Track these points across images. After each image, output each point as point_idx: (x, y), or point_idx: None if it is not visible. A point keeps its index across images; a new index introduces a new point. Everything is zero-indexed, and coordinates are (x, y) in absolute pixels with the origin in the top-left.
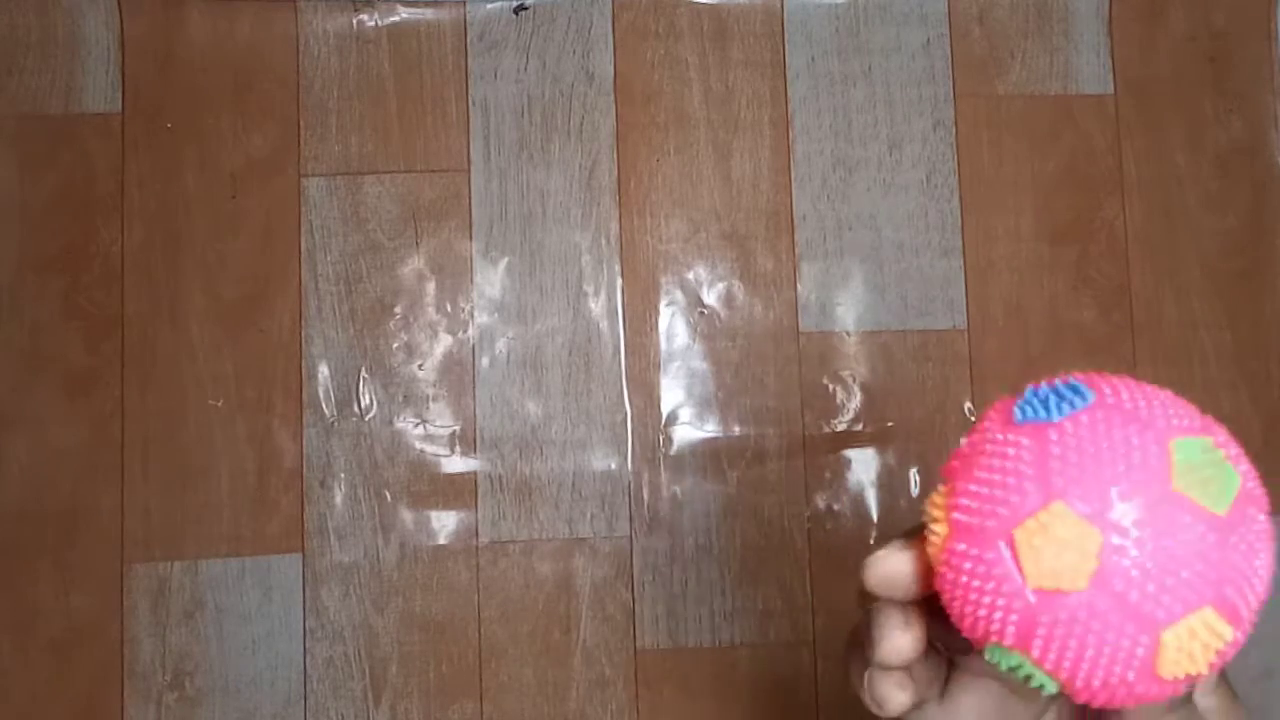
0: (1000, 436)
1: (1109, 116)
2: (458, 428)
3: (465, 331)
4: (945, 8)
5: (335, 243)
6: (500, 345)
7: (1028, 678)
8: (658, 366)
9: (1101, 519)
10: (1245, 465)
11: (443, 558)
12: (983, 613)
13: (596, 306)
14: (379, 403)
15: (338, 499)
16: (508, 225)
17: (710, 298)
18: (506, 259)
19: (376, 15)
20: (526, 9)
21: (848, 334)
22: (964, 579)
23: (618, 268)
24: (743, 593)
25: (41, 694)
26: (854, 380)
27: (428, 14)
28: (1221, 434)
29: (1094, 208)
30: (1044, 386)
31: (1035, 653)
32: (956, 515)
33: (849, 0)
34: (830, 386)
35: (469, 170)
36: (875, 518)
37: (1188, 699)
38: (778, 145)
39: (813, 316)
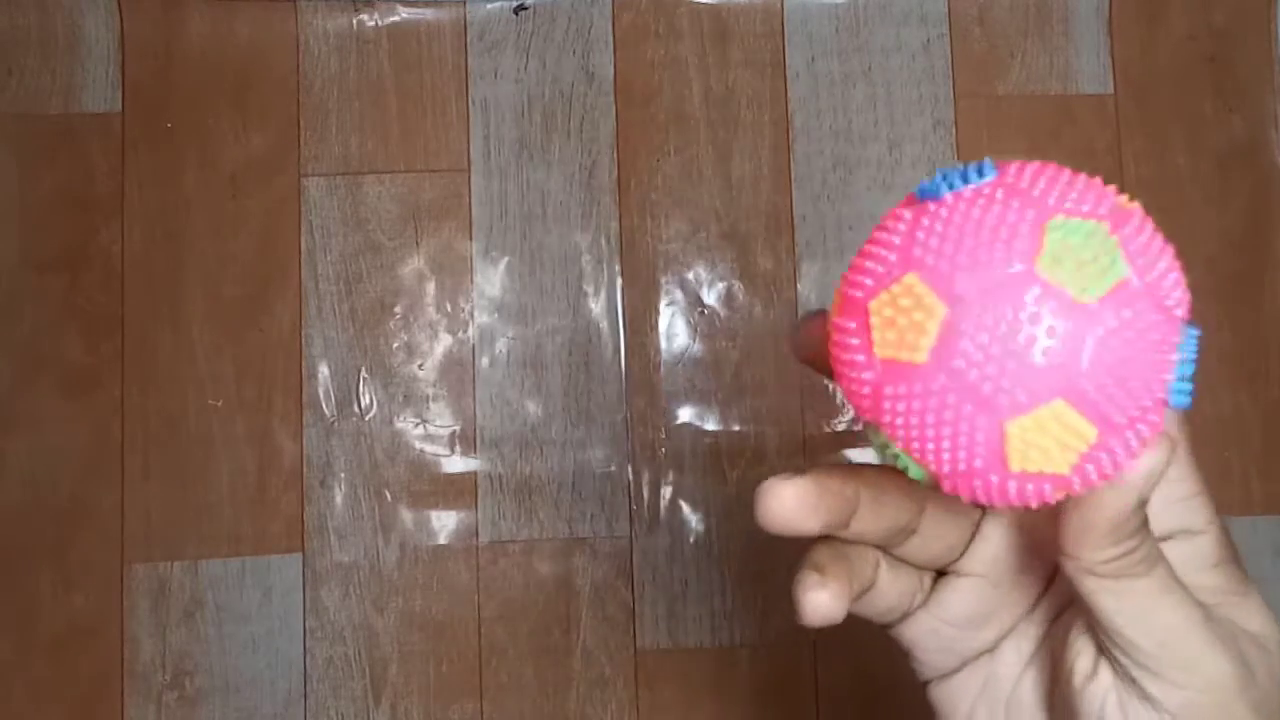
0: (892, 213)
1: (1109, 116)
2: (458, 428)
3: (465, 331)
4: (945, 8)
5: (335, 243)
6: (500, 345)
7: (896, 459)
8: (658, 367)
9: (949, 294)
10: (1167, 264)
11: (443, 558)
12: (846, 384)
13: (596, 306)
14: (379, 403)
15: (338, 499)
16: (508, 225)
17: (710, 298)
18: (506, 259)
19: (376, 15)
20: (526, 9)
21: None
22: (836, 351)
23: (618, 268)
24: (743, 593)
25: (41, 693)
26: None
27: (428, 14)
28: (1133, 225)
29: None
30: (956, 167)
31: (887, 429)
32: (842, 289)
33: (849, 0)
34: (830, 386)
35: (469, 170)
36: None
37: (1140, 528)
38: (778, 145)
39: None
